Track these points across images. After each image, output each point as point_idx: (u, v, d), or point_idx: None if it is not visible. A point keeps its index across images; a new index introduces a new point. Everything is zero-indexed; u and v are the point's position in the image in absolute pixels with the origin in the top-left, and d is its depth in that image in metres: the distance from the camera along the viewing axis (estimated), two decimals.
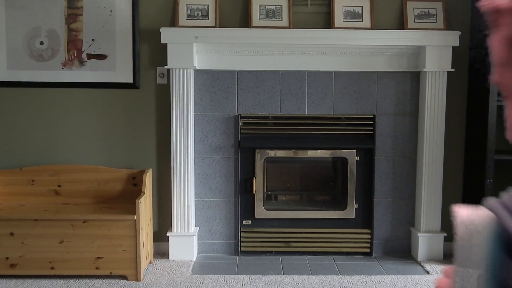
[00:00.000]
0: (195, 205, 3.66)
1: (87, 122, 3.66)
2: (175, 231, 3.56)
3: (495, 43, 0.63)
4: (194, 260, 3.58)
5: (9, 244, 3.15)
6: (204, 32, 3.43)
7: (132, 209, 3.19)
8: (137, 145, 3.67)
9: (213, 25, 3.51)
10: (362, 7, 3.57)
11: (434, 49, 3.48)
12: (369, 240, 3.70)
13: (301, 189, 3.99)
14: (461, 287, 0.51)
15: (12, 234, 3.15)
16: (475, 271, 0.49)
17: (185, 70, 3.46)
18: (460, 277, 0.52)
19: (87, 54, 3.59)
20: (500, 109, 3.47)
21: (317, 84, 3.60)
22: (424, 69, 3.49)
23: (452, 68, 3.51)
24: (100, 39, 3.58)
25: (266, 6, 3.54)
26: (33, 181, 3.57)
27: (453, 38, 3.48)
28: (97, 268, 3.17)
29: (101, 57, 3.59)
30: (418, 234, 3.60)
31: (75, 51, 3.59)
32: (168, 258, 3.58)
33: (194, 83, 3.56)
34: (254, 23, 3.51)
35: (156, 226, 3.70)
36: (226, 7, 3.59)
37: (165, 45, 3.45)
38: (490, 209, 0.56)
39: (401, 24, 3.61)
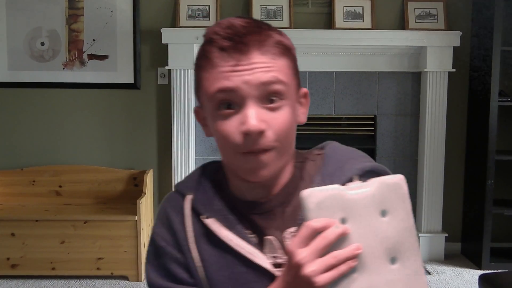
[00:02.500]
0: None
1: (88, 122, 3.66)
2: None
3: None
4: None
5: (10, 244, 3.15)
6: None
7: (133, 210, 3.20)
8: (138, 145, 3.67)
9: None
10: (363, 7, 3.57)
11: (435, 49, 3.47)
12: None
13: None
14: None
15: (13, 234, 3.15)
16: None
17: (186, 70, 3.46)
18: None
19: (88, 54, 3.59)
20: (501, 109, 3.47)
21: (318, 84, 3.60)
22: (425, 70, 3.49)
23: (453, 68, 3.51)
24: (101, 40, 3.58)
25: (267, 7, 3.54)
26: (34, 181, 3.57)
27: (454, 38, 3.48)
28: (98, 268, 3.17)
29: (102, 57, 3.59)
30: (419, 235, 3.59)
31: (76, 52, 3.59)
32: None
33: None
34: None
35: None
36: (227, 8, 3.59)
37: (166, 45, 3.45)
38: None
39: (402, 25, 3.61)
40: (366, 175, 0.85)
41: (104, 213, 3.28)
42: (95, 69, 3.59)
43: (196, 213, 0.89)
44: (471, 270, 3.43)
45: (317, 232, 0.70)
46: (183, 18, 3.53)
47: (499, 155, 3.42)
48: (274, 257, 0.86)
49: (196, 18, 3.53)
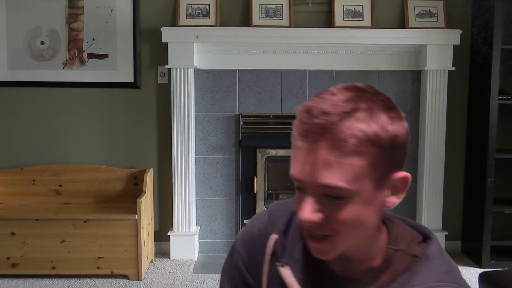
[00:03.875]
0: (196, 205, 3.66)
1: (88, 121, 3.66)
2: (176, 230, 3.56)
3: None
4: (195, 259, 3.59)
5: (10, 244, 3.15)
6: (205, 31, 3.43)
7: (133, 209, 3.20)
8: (138, 144, 3.67)
9: (214, 24, 3.51)
10: (362, 6, 3.56)
11: (435, 47, 3.47)
12: None
13: None
14: None
15: (13, 234, 3.15)
16: None
17: (186, 69, 3.46)
18: None
19: (87, 53, 3.59)
20: (501, 107, 3.46)
21: (318, 83, 3.60)
22: (425, 68, 3.49)
23: (453, 66, 3.51)
24: (101, 39, 3.58)
25: (267, 5, 3.54)
26: (34, 180, 3.57)
27: (454, 36, 3.48)
28: (98, 267, 3.18)
29: (102, 56, 3.59)
30: None
31: (76, 51, 3.59)
32: (169, 258, 3.58)
33: (195, 83, 3.56)
34: (254, 22, 3.51)
35: (157, 225, 3.70)
36: (226, 6, 3.59)
37: (166, 44, 3.45)
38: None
39: (402, 23, 3.61)
40: None
41: (104, 212, 3.28)
42: (95, 68, 3.59)
43: (275, 251, 0.92)
44: (472, 268, 3.43)
45: None
46: (183, 17, 3.52)
47: (499, 154, 3.42)
48: None
49: (196, 17, 3.53)
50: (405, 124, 0.80)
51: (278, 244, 0.90)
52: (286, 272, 0.88)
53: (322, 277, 0.88)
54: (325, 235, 0.80)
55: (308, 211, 0.78)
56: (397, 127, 0.78)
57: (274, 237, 0.91)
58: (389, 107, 0.79)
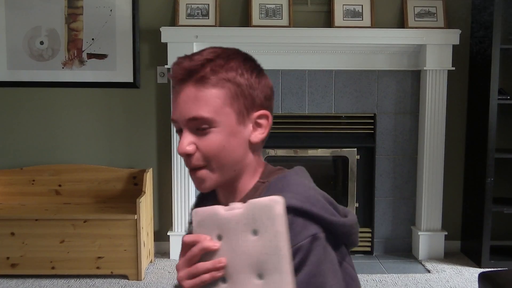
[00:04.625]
0: None
1: (87, 121, 3.66)
2: (176, 230, 3.56)
3: None
4: None
5: (9, 244, 3.15)
6: (204, 31, 3.43)
7: (133, 209, 3.19)
8: (137, 144, 3.67)
9: (213, 24, 3.51)
10: (362, 5, 3.56)
11: (434, 47, 3.47)
12: (370, 239, 3.70)
13: None
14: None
15: (12, 234, 3.15)
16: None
17: None
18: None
19: (87, 53, 3.59)
20: (501, 107, 3.47)
21: (317, 83, 3.60)
22: (425, 68, 3.49)
23: (452, 66, 3.51)
24: (100, 39, 3.58)
25: (266, 5, 3.54)
26: (33, 180, 3.57)
27: (453, 36, 3.48)
28: (98, 267, 3.17)
29: (101, 56, 3.59)
30: (419, 233, 3.59)
31: (75, 51, 3.59)
32: (169, 258, 3.58)
33: None
34: (254, 22, 3.51)
35: (156, 225, 3.70)
36: (226, 6, 3.59)
37: (166, 44, 3.44)
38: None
39: (402, 23, 3.61)
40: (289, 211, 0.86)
41: (103, 212, 3.28)
42: (95, 68, 3.59)
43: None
44: (471, 268, 3.43)
45: (190, 246, 0.83)
46: (182, 17, 3.52)
47: (498, 153, 3.42)
48: None
49: (196, 17, 3.53)
50: (263, 77, 1.00)
51: (200, 196, 1.09)
52: None
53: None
54: (200, 166, 0.96)
55: (184, 144, 0.94)
56: (252, 75, 0.97)
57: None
58: (249, 59, 0.99)
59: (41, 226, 3.15)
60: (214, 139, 0.95)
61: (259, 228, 0.80)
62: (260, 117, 1.00)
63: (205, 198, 1.08)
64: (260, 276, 0.80)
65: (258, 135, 1.00)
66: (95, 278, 3.21)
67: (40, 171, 3.57)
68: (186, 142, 0.95)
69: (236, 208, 0.82)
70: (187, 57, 0.96)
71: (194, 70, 0.94)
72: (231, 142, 0.96)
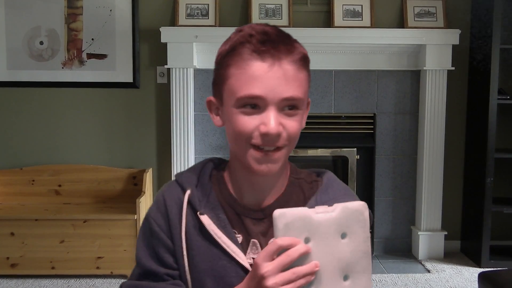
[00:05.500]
0: None
1: (87, 121, 3.66)
2: None
3: None
4: None
5: (9, 244, 3.15)
6: (204, 31, 3.43)
7: (133, 209, 3.19)
8: (137, 144, 3.67)
9: (213, 24, 3.51)
10: (362, 5, 3.56)
11: (434, 47, 3.47)
12: (370, 239, 3.70)
13: None
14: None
15: (12, 234, 3.15)
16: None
17: (185, 69, 3.46)
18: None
19: (87, 53, 3.59)
20: (500, 107, 3.47)
21: (317, 83, 3.60)
22: (424, 68, 3.49)
23: (452, 66, 3.51)
24: (100, 39, 3.58)
25: (266, 5, 3.54)
26: (33, 181, 3.57)
27: (453, 36, 3.48)
28: (97, 267, 3.17)
29: (101, 56, 3.59)
30: (419, 233, 3.60)
31: (75, 51, 3.59)
32: None
33: (194, 83, 3.56)
34: (254, 22, 3.51)
35: None
36: (226, 6, 3.59)
37: (165, 44, 3.44)
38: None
39: (401, 23, 3.61)
40: None
41: (103, 212, 3.28)
42: (94, 68, 3.59)
43: (192, 207, 0.99)
44: (471, 268, 3.44)
45: (282, 249, 0.80)
46: (182, 17, 3.52)
47: (498, 153, 3.42)
48: (254, 258, 0.96)
49: (195, 17, 3.53)
50: None
51: (192, 197, 0.99)
52: (206, 219, 0.96)
53: (238, 216, 0.99)
54: (278, 147, 0.92)
55: (276, 123, 0.89)
56: None
57: (188, 192, 0.99)
58: None
59: (41, 226, 3.15)
60: (298, 121, 0.94)
61: (348, 232, 0.83)
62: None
63: (168, 212, 1.00)
64: (346, 277, 0.83)
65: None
66: (95, 278, 3.21)
67: (40, 171, 3.57)
68: (276, 121, 0.90)
69: (327, 211, 0.82)
70: (273, 30, 0.94)
71: (292, 48, 0.92)
72: (301, 126, 0.97)
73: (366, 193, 3.69)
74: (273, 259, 0.80)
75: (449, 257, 3.61)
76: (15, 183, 3.56)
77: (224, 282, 0.94)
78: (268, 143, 0.91)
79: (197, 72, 3.57)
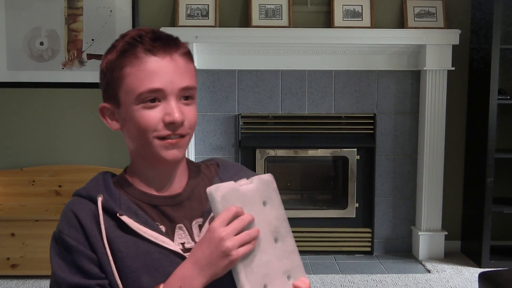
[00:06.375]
0: None
1: (87, 122, 3.66)
2: None
3: None
4: None
5: (10, 244, 3.15)
6: (204, 31, 3.43)
7: None
8: None
9: (213, 24, 3.51)
10: (362, 6, 3.57)
11: (434, 47, 3.47)
12: (370, 239, 3.70)
13: (301, 188, 3.99)
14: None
15: (13, 234, 3.15)
16: None
17: None
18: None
19: (87, 54, 3.59)
20: (500, 107, 3.47)
21: (317, 83, 3.60)
22: (424, 68, 3.49)
23: (452, 66, 3.51)
24: (100, 39, 3.58)
25: (266, 6, 3.54)
26: (33, 181, 3.57)
27: (453, 36, 3.48)
28: None
29: (101, 57, 3.59)
30: (419, 233, 3.60)
31: (75, 51, 3.59)
32: None
33: None
34: (254, 23, 3.51)
35: None
36: (226, 7, 3.59)
37: None
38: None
39: (401, 23, 3.61)
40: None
41: None
42: (94, 68, 3.59)
43: (107, 212, 1.00)
44: (471, 268, 3.44)
45: (235, 216, 0.88)
46: (182, 18, 3.52)
47: (498, 153, 3.42)
48: (182, 243, 1.02)
49: (195, 18, 3.53)
50: None
51: (106, 201, 1.01)
52: (126, 219, 0.98)
53: (156, 208, 1.03)
54: (182, 135, 0.99)
55: (179, 112, 0.97)
56: None
57: (100, 198, 1.01)
58: None
59: (41, 227, 3.15)
60: (195, 109, 1.02)
61: (268, 200, 0.93)
62: None
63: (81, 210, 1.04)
64: (277, 240, 0.93)
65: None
66: None
67: (40, 171, 3.57)
68: (179, 110, 0.97)
69: (248, 183, 0.93)
70: (158, 31, 1.01)
71: (179, 44, 1.00)
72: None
73: (366, 193, 3.69)
74: (227, 226, 0.88)
75: (449, 257, 3.61)
76: (15, 183, 3.56)
77: (160, 273, 0.96)
78: (174, 131, 0.98)
79: (197, 72, 3.54)
